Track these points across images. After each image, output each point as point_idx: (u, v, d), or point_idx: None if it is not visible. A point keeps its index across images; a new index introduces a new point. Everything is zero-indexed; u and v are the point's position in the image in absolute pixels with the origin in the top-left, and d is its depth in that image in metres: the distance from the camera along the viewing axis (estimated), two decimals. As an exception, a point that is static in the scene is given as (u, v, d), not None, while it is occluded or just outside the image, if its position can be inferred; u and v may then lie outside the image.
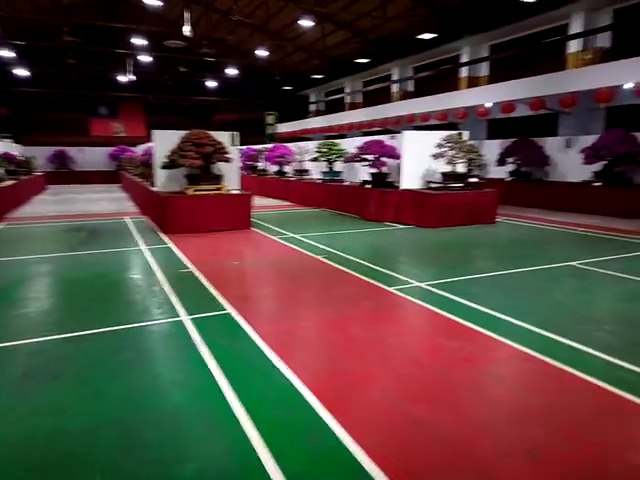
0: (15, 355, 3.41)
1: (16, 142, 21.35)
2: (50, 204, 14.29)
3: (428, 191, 9.36)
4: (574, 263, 6.11)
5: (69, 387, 2.92)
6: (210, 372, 3.07)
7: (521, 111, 15.60)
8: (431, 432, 2.43)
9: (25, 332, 3.80)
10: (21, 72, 26.27)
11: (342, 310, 4.36)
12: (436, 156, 9.40)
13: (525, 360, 3.29)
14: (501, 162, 13.77)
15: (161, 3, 18.33)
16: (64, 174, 23.96)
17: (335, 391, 2.85)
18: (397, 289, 4.96)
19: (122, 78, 26.60)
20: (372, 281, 5.28)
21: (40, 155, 22.12)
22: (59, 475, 2.14)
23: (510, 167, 13.79)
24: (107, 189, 20.21)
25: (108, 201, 15.06)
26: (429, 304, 4.45)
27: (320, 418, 2.53)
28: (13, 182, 13.20)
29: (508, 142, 13.84)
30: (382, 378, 3.04)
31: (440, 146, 9.42)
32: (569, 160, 12.61)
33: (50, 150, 24.31)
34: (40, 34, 21.69)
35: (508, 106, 15.40)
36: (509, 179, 13.81)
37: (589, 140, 11.73)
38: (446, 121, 19.20)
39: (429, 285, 5.11)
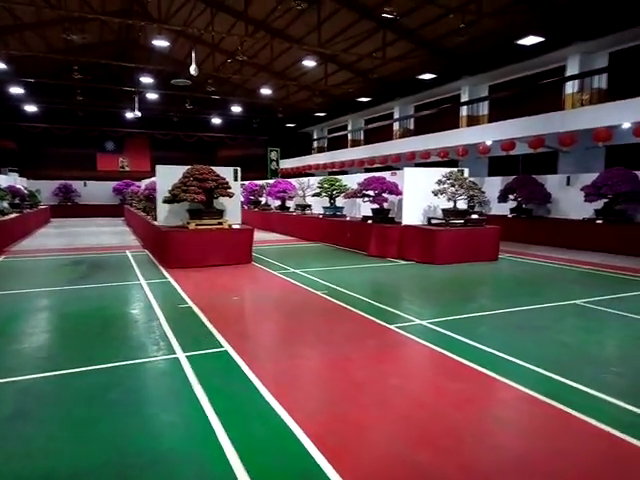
0: (4, 393, 3.32)
1: (21, 176, 21.66)
2: (52, 237, 14.33)
3: (430, 227, 9.36)
4: (578, 301, 6.02)
5: (58, 428, 2.82)
6: (204, 413, 2.97)
7: (521, 149, 15.83)
8: (431, 479, 2.32)
9: (16, 369, 3.71)
10: (30, 108, 26.90)
11: (342, 349, 4.26)
12: (436, 193, 9.44)
13: (529, 403, 3.17)
14: (503, 199, 13.83)
15: (168, 44, 18.92)
16: (68, 207, 24.15)
17: (333, 435, 2.74)
18: (399, 327, 4.87)
19: (129, 114, 27.18)
20: (373, 318, 5.19)
21: (45, 189, 22.41)
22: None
23: (512, 204, 13.84)
24: (110, 223, 20.31)
25: (110, 235, 15.09)
26: (431, 343, 4.36)
27: (316, 464, 2.42)
28: (16, 215, 13.30)
29: (509, 179, 13.95)
30: (382, 421, 2.93)
31: (440, 183, 9.47)
32: (570, 197, 12.66)
33: (55, 184, 24.60)
34: (50, 72, 22.32)
35: (508, 144, 15.64)
36: (511, 216, 13.84)
37: (589, 178, 11.80)
38: (447, 158, 19.47)
39: (431, 323, 5.02)
